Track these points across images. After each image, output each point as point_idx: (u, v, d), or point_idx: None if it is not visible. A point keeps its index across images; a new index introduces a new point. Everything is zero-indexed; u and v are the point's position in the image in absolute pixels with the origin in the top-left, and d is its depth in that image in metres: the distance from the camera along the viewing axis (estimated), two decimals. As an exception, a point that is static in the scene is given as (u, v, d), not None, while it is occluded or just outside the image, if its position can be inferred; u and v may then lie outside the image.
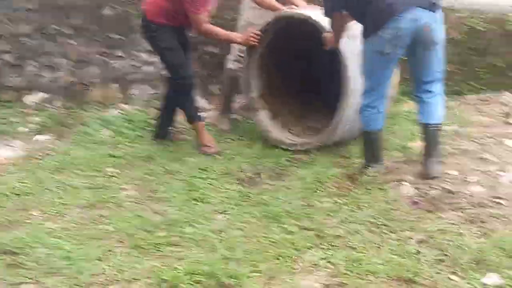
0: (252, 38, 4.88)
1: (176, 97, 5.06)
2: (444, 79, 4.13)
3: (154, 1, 4.84)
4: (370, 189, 4.02)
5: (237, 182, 4.31)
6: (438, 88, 4.10)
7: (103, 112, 6.03)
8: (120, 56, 6.52)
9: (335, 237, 3.47)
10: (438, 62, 4.01)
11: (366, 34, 3.96)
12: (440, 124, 4.11)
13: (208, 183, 4.26)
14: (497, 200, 3.76)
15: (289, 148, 4.82)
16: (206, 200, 4.00)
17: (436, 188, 3.94)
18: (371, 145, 4.25)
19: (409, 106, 5.49)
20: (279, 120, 5.18)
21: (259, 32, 4.87)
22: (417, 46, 3.91)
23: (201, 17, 4.73)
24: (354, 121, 4.50)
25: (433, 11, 3.82)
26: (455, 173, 4.14)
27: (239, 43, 5.02)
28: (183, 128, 5.43)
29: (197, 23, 4.77)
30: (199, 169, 4.51)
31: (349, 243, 3.40)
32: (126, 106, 6.20)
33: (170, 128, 5.28)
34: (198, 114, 5.12)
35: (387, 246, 3.33)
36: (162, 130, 5.25)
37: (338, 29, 4.23)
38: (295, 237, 3.49)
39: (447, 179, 4.05)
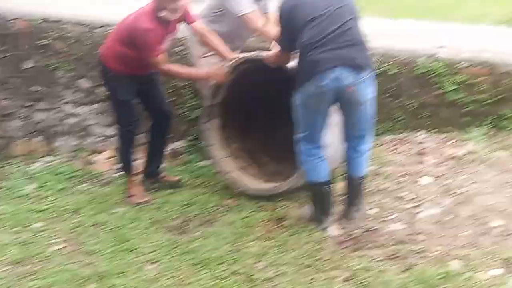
0: (214, 75, 4.75)
1: (120, 147, 5.11)
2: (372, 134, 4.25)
3: (112, 46, 4.82)
4: (296, 231, 4.14)
5: (167, 230, 4.36)
6: (365, 144, 4.18)
7: (27, 166, 5.97)
8: (44, 109, 6.48)
9: (265, 280, 3.59)
10: (365, 120, 4.06)
11: (297, 84, 3.99)
12: (364, 176, 4.24)
13: (137, 233, 4.29)
14: (416, 236, 3.97)
15: (268, 194, 4.72)
16: (136, 250, 4.04)
17: (359, 227, 4.11)
18: (318, 199, 4.24)
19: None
20: (246, 170, 5.15)
21: (223, 70, 4.73)
22: (342, 104, 3.99)
23: (158, 59, 4.68)
24: (333, 160, 4.47)
25: (359, 72, 3.87)
26: (376, 211, 4.34)
27: (203, 78, 4.94)
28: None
29: (155, 65, 4.72)
30: (127, 219, 4.53)
31: (278, 285, 3.51)
32: (51, 159, 6.15)
33: (158, 167, 5.30)
34: (131, 166, 5.12)
35: (315, 286, 3.46)
36: (150, 169, 5.28)
37: (281, 64, 4.32)
38: (226, 282, 3.59)
39: (368, 218, 4.24)
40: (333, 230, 4.13)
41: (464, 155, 5.25)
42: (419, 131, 5.91)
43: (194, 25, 4.85)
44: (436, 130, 5.89)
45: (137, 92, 5.00)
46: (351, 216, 4.21)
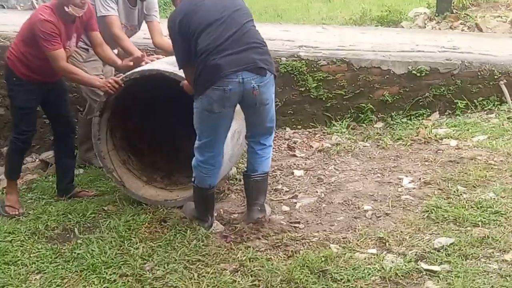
0: (110, 86, 4.57)
1: (10, 153, 4.96)
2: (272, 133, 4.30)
3: (16, 48, 4.68)
4: (180, 230, 4.19)
5: (48, 240, 4.24)
6: (269, 140, 4.25)
7: None
8: None
9: (155, 279, 3.61)
10: (269, 119, 4.13)
11: (197, 92, 3.93)
12: (267, 172, 4.28)
13: (17, 245, 4.13)
14: (295, 225, 4.17)
15: (164, 206, 4.63)
16: (18, 262, 3.89)
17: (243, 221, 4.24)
18: (204, 201, 4.27)
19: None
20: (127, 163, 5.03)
21: (120, 82, 4.58)
22: (246, 106, 4.02)
23: (57, 53, 4.50)
24: (226, 166, 4.53)
25: (261, 75, 3.89)
26: (256, 204, 4.49)
27: (97, 87, 4.74)
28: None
29: (53, 60, 4.52)
30: (5, 232, 4.35)
31: (169, 283, 3.55)
32: None
33: (70, 183, 5.12)
34: (16, 172, 4.98)
35: (205, 280, 3.53)
36: (61, 185, 5.10)
37: (192, 78, 4.07)
38: (115, 285, 3.56)
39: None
40: (217, 225, 4.22)
41: (330, 147, 5.58)
42: (286, 127, 6.19)
43: (95, 33, 4.84)
44: (301, 125, 6.21)
45: (43, 101, 4.87)
46: (252, 216, 4.21)
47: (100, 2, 5.10)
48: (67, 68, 4.64)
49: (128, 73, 4.61)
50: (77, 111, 5.92)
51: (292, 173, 5.07)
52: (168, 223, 4.33)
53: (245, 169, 4.33)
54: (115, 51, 5.29)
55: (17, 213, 4.75)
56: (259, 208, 4.20)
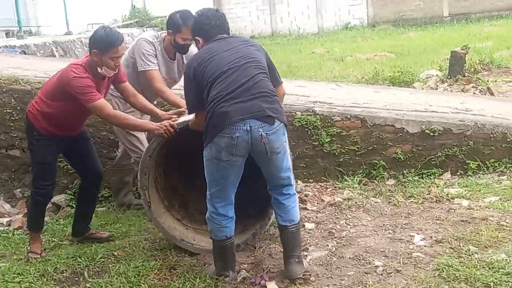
0: (165, 129, 4.53)
1: (31, 207, 4.98)
2: (292, 179, 4.21)
3: (40, 104, 4.71)
4: (189, 278, 4.19)
5: (56, 283, 4.25)
6: (291, 190, 4.17)
7: None
8: None
9: (163, 326, 3.59)
10: (283, 168, 4.07)
11: (206, 140, 3.96)
12: (297, 222, 4.19)
13: (26, 287, 4.13)
14: (305, 278, 4.15)
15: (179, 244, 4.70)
16: (27, 305, 3.89)
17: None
18: (222, 254, 4.21)
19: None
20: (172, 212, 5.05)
21: (175, 126, 4.55)
22: (258, 156, 4.00)
23: (100, 103, 4.53)
24: None
25: (269, 124, 3.90)
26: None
27: (151, 130, 4.66)
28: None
29: (100, 110, 4.56)
30: (14, 273, 4.36)
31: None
32: None
33: (87, 226, 5.16)
34: (39, 225, 4.97)
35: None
36: (78, 227, 5.14)
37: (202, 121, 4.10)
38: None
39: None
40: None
41: (342, 201, 5.59)
42: (297, 180, 6.21)
43: (125, 85, 4.92)
44: (313, 179, 6.24)
45: (66, 152, 4.99)
46: (290, 269, 4.13)
47: (141, 57, 5.26)
48: (116, 114, 4.68)
49: (181, 120, 4.63)
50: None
51: (304, 226, 5.06)
52: (177, 270, 4.34)
53: (277, 222, 4.26)
54: (155, 102, 5.43)
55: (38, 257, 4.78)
56: (296, 260, 4.14)
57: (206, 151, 3.99)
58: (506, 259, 4.11)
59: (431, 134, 6.08)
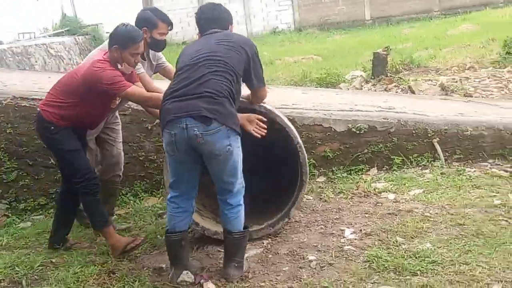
0: None
1: (85, 200, 4.79)
2: (239, 189, 4.17)
3: (56, 97, 4.66)
4: (129, 281, 4.23)
5: (-7, 293, 4.21)
6: (234, 199, 4.14)
7: None
8: None
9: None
10: (225, 173, 4.04)
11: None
12: (239, 232, 4.21)
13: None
14: (245, 274, 4.27)
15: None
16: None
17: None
18: (168, 247, 4.24)
19: (153, 201, 5.94)
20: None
21: None
22: (202, 156, 4.02)
23: (130, 92, 4.50)
24: None
25: (206, 124, 3.88)
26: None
27: None
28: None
29: (133, 96, 4.57)
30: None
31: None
32: None
33: (67, 234, 5.03)
34: (107, 217, 4.84)
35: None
36: (58, 236, 4.98)
37: None
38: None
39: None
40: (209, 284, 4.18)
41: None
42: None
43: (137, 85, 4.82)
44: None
45: None
46: (228, 272, 4.20)
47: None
48: (152, 96, 4.61)
49: None
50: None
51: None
52: (116, 274, 4.38)
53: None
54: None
55: (136, 243, 4.71)
56: (235, 265, 4.21)
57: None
58: (431, 248, 4.34)
59: (357, 132, 6.33)
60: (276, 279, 4.18)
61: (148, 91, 4.77)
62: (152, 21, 5.07)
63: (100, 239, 5.13)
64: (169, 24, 5.13)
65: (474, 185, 5.58)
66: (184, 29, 22.15)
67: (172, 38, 21.55)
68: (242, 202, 4.21)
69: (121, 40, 4.55)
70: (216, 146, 3.93)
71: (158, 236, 5.11)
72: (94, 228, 4.95)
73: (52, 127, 4.66)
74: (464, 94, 9.36)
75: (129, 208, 6.03)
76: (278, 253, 4.57)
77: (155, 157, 6.22)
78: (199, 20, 4.40)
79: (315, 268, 4.29)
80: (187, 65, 4.08)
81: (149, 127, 6.20)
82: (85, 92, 4.55)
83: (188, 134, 3.90)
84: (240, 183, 4.15)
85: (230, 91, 4.02)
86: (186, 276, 4.16)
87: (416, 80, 10.43)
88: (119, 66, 4.60)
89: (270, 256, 4.55)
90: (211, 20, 4.37)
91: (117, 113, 5.41)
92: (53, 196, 6.06)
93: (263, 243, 4.77)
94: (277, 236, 4.87)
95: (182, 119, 3.90)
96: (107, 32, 18.82)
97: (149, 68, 5.40)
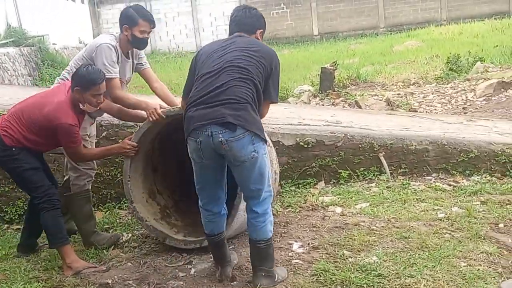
0: (127, 149, 4.88)
1: (45, 216, 4.71)
2: (267, 197, 4.13)
3: (20, 132, 4.65)
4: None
5: None
6: (261, 207, 4.09)
7: None
8: None
9: None
10: (252, 180, 4.00)
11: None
12: (266, 239, 4.14)
13: None
14: (190, 289, 4.24)
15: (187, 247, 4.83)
16: None
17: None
18: (212, 249, 4.38)
19: (99, 215, 5.84)
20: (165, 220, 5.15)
21: (134, 144, 4.88)
22: (228, 162, 4.01)
23: (78, 150, 4.73)
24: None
25: (231, 130, 3.85)
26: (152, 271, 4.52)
27: (115, 153, 5.08)
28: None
29: (76, 157, 4.84)
30: None
31: None
32: None
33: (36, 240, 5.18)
34: (65, 234, 4.78)
35: None
36: (28, 242, 5.14)
37: None
38: None
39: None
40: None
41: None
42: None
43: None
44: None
45: None
46: (257, 282, 4.15)
47: (104, 64, 4.98)
48: (85, 155, 4.89)
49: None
50: None
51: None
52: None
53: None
54: None
55: (91, 266, 4.71)
56: (263, 274, 4.16)
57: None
58: (377, 261, 4.39)
59: (305, 146, 6.39)
60: (226, 293, 4.17)
61: (114, 96, 5.02)
62: (133, 19, 5.07)
63: (45, 254, 5.01)
64: (151, 23, 5.11)
65: (419, 198, 5.69)
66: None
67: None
68: (269, 210, 4.17)
69: (82, 82, 4.60)
70: (241, 152, 3.90)
71: (104, 251, 5.02)
72: (51, 245, 4.83)
73: (14, 149, 4.66)
74: (409, 109, 9.58)
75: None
76: (226, 268, 4.55)
77: (101, 170, 6.11)
78: (230, 21, 4.35)
79: (264, 282, 4.28)
80: (209, 72, 4.02)
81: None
82: (45, 130, 4.63)
83: (214, 141, 3.88)
84: (268, 191, 4.11)
85: (253, 97, 3.98)
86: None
87: (363, 95, 10.62)
88: (81, 106, 4.66)
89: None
90: (239, 23, 4.30)
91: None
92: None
93: (211, 257, 4.73)
94: (225, 250, 4.85)
95: (206, 126, 3.89)
96: (53, 44, 18.52)
97: (132, 66, 5.38)
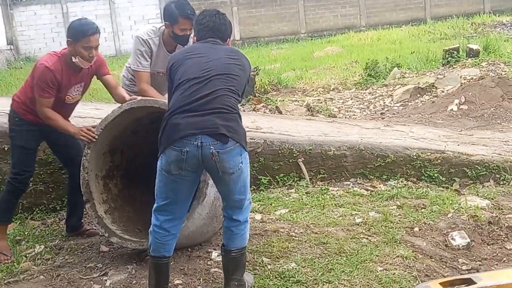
0: (83, 133, 4.72)
1: (3, 193, 4.99)
2: (247, 205, 4.07)
3: (23, 92, 4.86)
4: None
5: None
6: (242, 215, 4.01)
7: None
8: None
9: None
10: (237, 190, 3.92)
11: (159, 150, 3.84)
12: (242, 248, 4.07)
13: None
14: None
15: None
16: None
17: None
18: (157, 274, 4.03)
19: (11, 226, 5.59)
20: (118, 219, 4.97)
21: (92, 129, 4.73)
22: (211, 173, 3.91)
23: (42, 100, 4.70)
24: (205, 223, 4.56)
25: (222, 142, 3.74)
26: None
27: (71, 133, 4.83)
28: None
29: (38, 103, 4.73)
30: None
31: None
32: None
33: (80, 220, 5.32)
34: (8, 217, 5.05)
35: None
36: (71, 222, 5.31)
37: None
38: None
39: None
40: None
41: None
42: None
43: (106, 77, 5.01)
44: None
45: (48, 140, 5.12)
46: None
47: (133, 56, 5.33)
48: (44, 112, 4.76)
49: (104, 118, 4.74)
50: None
51: (98, 248, 5.00)
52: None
53: (222, 242, 4.14)
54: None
55: (8, 261, 4.78)
56: (235, 283, 4.04)
57: (159, 161, 3.86)
58: (295, 268, 4.42)
59: (225, 152, 6.34)
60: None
61: (138, 88, 5.23)
62: (173, 16, 5.10)
63: None
64: (192, 21, 4.89)
65: (337, 204, 5.75)
66: (48, 45, 21.35)
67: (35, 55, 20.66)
68: (248, 218, 4.10)
69: (73, 33, 4.71)
70: (230, 164, 3.79)
71: (15, 264, 4.81)
72: None
73: (17, 118, 4.88)
74: (329, 115, 9.71)
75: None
76: (142, 278, 4.44)
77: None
78: (201, 25, 4.12)
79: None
80: (196, 77, 3.84)
81: (6, 148, 5.83)
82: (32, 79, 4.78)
83: (203, 152, 3.73)
84: (248, 199, 4.05)
85: (238, 107, 3.93)
86: None
87: (284, 100, 10.70)
88: (73, 59, 4.71)
89: (134, 282, 4.42)
90: (214, 29, 4.10)
91: None
92: None
93: (128, 268, 4.62)
94: (142, 261, 4.73)
95: (197, 136, 3.73)
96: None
97: None
